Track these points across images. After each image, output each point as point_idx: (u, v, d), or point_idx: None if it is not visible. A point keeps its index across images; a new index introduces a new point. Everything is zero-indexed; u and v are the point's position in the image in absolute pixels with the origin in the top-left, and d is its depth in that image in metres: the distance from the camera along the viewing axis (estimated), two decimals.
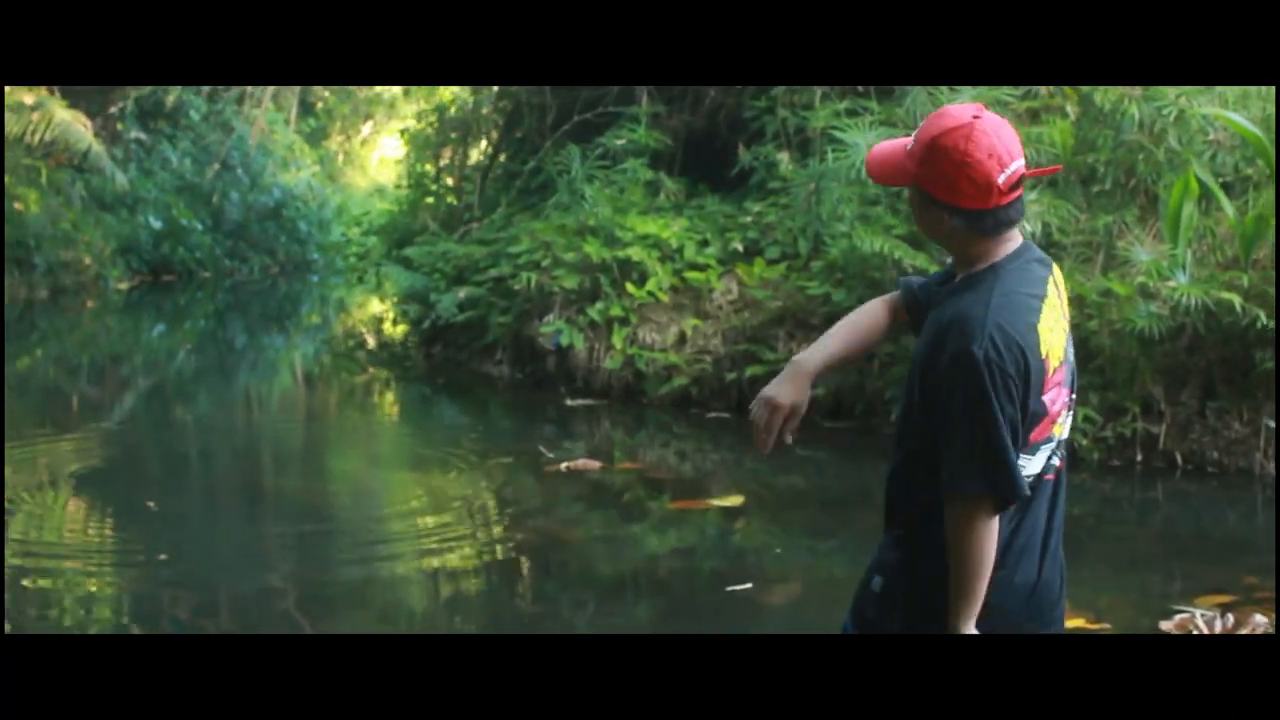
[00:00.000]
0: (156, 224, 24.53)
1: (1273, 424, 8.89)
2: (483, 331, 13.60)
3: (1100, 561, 7.39)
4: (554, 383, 12.51)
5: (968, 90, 9.45)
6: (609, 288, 12.11)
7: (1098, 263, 9.63)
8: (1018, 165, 2.93)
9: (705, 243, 12.28)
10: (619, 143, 13.55)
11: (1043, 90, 10.18)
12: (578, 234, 12.52)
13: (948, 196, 2.95)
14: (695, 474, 10.11)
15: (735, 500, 8.68)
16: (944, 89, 9.70)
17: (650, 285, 11.94)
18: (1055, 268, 3.10)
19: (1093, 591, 6.52)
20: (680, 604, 6.92)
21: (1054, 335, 2.98)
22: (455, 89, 18.82)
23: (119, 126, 24.77)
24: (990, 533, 2.92)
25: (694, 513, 8.44)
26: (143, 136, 25.58)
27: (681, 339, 11.82)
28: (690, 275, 11.99)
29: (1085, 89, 9.87)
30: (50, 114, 21.29)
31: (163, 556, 7.33)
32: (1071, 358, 3.08)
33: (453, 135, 18.47)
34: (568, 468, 9.41)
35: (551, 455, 9.79)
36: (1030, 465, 2.98)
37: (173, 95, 25.55)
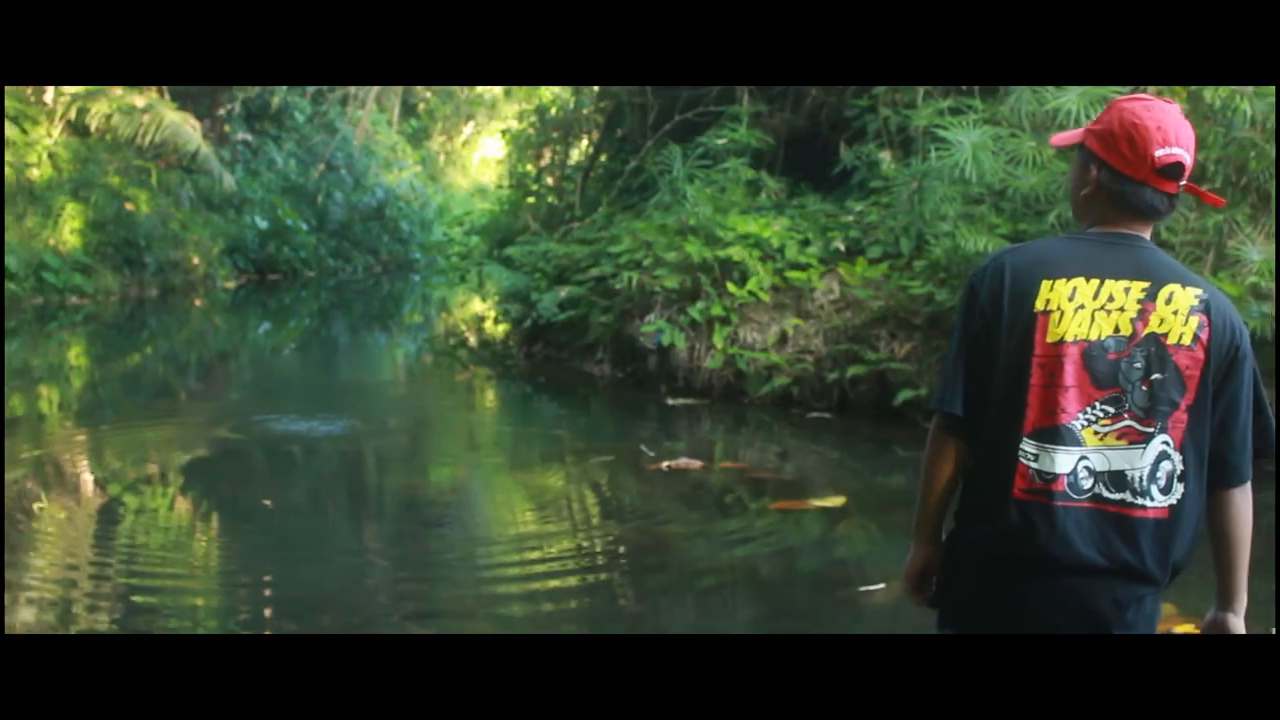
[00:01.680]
0: (262, 224, 24.93)
1: None
2: (584, 331, 13.66)
3: (1207, 565, 7.25)
4: (655, 382, 12.53)
5: (1073, 89, 9.34)
6: (710, 287, 12.11)
7: (1208, 262, 9.48)
8: (1179, 153, 2.97)
9: (806, 242, 12.26)
10: (720, 142, 13.57)
11: (1150, 87, 10.03)
12: (679, 233, 12.55)
13: (1104, 152, 3.02)
14: (796, 474, 10.08)
15: (837, 501, 8.64)
16: (1049, 88, 9.59)
17: (751, 285, 11.93)
18: (1176, 290, 2.96)
19: (1198, 599, 6.41)
20: (785, 604, 6.90)
21: (1077, 312, 2.92)
22: (556, 89, 18.93)
23: (226, 128, 25.21)
24: (938, 447, 3.08)
25: (796, 513, 8.42)
26: (249, 138, 26.00)
27: (782, 339, 11.80)
28: (791, 275, 11.97)
29: (1194, 86, 9.71)
30: (160, 116, 21.71)
31: (267, 574, 7.42)
32: (1138, 373, 2.92)
33: (554, 135, 18.59)
34: (669, 466, 9.43)
35: (653, 454, 9.81)
36: (1059, 460, 2.92)
37: (278, 97, 25.96)
